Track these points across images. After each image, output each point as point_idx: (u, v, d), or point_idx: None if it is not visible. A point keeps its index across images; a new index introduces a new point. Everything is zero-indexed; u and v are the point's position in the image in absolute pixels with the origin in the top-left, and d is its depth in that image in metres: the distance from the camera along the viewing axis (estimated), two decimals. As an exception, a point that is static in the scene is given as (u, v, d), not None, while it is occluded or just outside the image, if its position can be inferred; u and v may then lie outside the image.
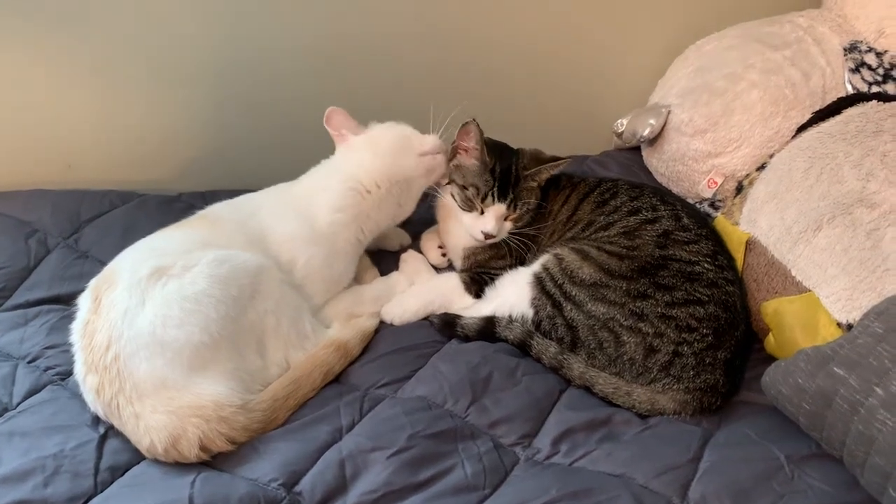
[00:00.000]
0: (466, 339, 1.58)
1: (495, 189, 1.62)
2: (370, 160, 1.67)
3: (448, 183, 1.71)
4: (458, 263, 1.76)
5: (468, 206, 1.65)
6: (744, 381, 1.51)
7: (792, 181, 1.65)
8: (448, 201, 1.71)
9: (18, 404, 1.38)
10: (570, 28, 2.21)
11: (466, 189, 1.65)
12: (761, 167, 1.82)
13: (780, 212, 1.61)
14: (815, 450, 1.29)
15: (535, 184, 1.67)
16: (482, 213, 1.64)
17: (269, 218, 1.62)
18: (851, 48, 1.94)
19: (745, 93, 1.92)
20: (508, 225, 1.66)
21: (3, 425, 1.33)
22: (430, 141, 1.70)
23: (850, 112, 1.77)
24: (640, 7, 2.23)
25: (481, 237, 1.64)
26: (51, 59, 1.91)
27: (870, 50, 1.94)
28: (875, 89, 1.87)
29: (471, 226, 1.66)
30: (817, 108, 1.86)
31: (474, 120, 1.64)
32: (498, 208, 1.64)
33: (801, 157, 1.69)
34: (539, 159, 1.69)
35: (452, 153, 1.71)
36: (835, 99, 1.86)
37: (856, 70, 1.91)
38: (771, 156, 1.82)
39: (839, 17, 2.03)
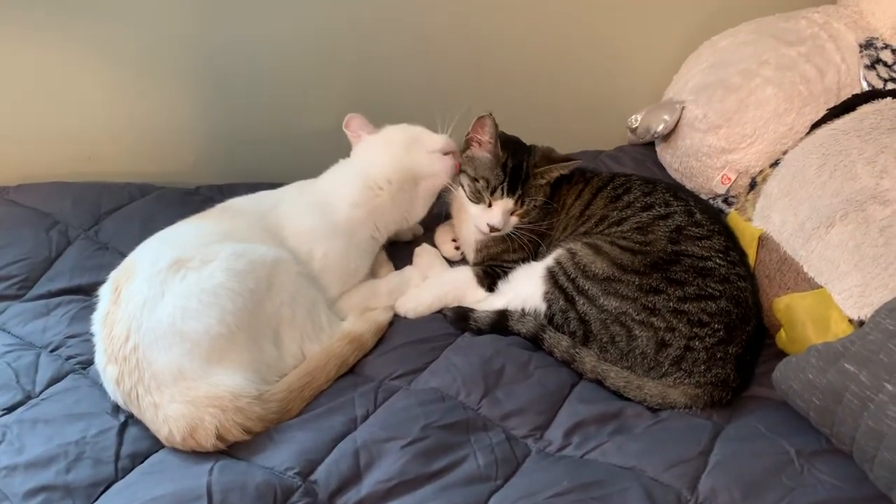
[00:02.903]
0: (479, 332, 1.59)
1: (505, 184, 1.63)
2: (380, 157, 1.70)
3: (459, 173, 1.71)
4: (471, 257, 1.78)
5: (477, 197, 1.67)
6: (755, 376, 1.51)
7: (805, 178, 1.65)
8: (458, 193, 1.72)
9: (41, 392, 1.40)
10: (585, 24, 2.22)
11: (477, 181, 1.66)
12: (775, 164, 1.81)
13: (793, 208, 1.61)
14: (825, 445, 1.30)
15: (544, 181, 1.68)
16: (490, 205, 1.66)
17: (288, 211, 1.64)
18: (867, 45, 1.94)
19: (760, 89, 1.92)
20: (514, 220, 1.67)
21: (26, 413, 1.35)
22: (440, 140, 1.72)
23: (864, 109, 1.76)
24: (655, 3, 2.23)
25: (487, 230, 1.66)
26: (72, 54, 1.93)
27: (886, 47, 1.93)
28: (890, 86, 1.86)
29: (477, 217, 1.67)
30: (832, 104, 1.86)
31: (490, 114, 1.65)
32: (506, 203, 1.65)
33: (814, 153, 1.69)
34: (550, 158, 1.70)
35: (466, 145, 1.72)
36: (850, 96, 1.86)
37: (871, 67, 1.90)
38: (784, 152, 1.82)
39: (855, 13, 2.02)
